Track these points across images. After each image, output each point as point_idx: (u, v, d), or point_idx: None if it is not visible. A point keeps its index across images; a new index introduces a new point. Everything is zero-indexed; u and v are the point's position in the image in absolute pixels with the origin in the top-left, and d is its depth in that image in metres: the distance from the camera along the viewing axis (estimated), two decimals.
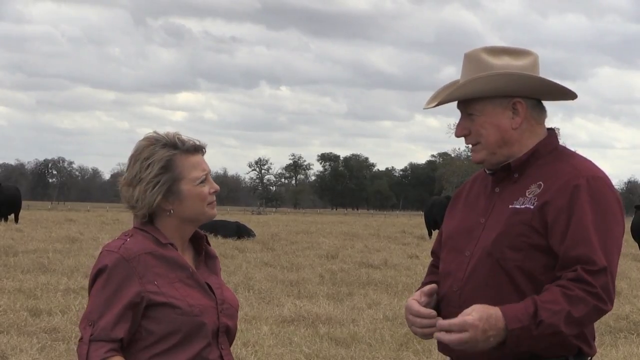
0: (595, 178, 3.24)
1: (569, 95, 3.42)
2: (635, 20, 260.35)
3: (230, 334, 3.32)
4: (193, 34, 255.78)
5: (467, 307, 3.27)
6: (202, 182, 3.25)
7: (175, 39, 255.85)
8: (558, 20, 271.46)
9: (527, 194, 3.27)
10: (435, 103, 3.39)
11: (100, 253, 3.21)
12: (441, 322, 3.11)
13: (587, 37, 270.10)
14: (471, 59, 3.35)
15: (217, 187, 3.30)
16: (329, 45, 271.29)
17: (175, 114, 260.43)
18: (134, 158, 3.24)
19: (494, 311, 3.05)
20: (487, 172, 3.43)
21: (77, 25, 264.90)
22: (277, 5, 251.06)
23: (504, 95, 3.31)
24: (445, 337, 3.08)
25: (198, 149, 3.29)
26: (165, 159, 3.21)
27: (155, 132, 3.29)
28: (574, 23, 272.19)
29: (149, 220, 3.26)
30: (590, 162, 3.35)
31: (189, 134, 3.32)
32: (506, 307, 3.07)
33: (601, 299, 3.10)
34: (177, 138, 3.26)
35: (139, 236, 3.22)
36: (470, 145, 3.40)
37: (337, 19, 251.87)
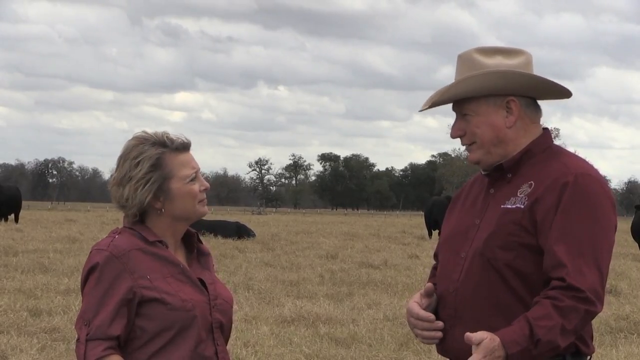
0: (584, 175, 3.23)
1: (563, 93, 3.43)
2: (632, 20, 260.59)
3: (224, 330, 3.32)
4: (189, 33, 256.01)
5: (463, 308, 3.29)
6: (192, 180, 3.26)
7: (172, 39, 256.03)
8: (554, 20, 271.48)
9: (518, 194, 3.27)
10: (429, 105, 3.40)
11: (90, 252, 3.23)
12: None
13: (584, 37, 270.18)
14: (464, 60, 3.36)
15: (207, 184, 3.31)
16: (325, 45, 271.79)
17: (173, 114, 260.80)
18: (122, 158, 3.25)
19: (496, 343, 3.05)
20: (483, 173, 3.44)
21: (73, 25, 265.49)
22: (272, 5, 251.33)
23: (497, 94, 3.31)
24: None
25: (187, 147, 3.30)
26: (155, 157, 3.22)
27: (144, 131, 3.30)
28: (570, 23, 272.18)
29: (139, 220, 3.27)
30: (581, 159, 3.34)
31: (187, 134, 3.33)
32: (503, 332, 3.08)
33: (591, 302, 3.10)
34: (166, 137, 3.26)
35: (127, 234, 3.23)
36: (466, 146, 3.41)
37: (333, 18, 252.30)
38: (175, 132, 3.31)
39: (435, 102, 3.36)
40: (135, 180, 3.20)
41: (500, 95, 3.31)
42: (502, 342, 3.05)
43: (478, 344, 3.05)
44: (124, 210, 3.26)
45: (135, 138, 3.27)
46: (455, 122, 3.39)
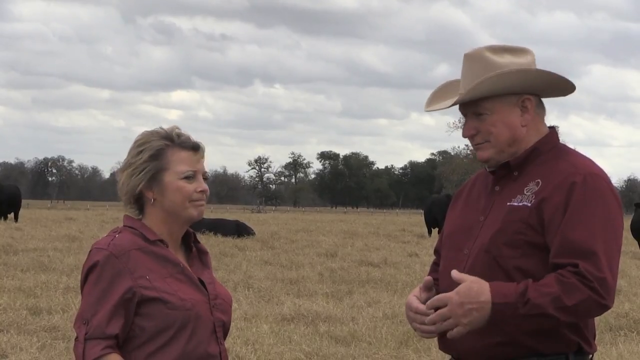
0: (592, 175, 3.23)
1: (568, 89, 3.43)
2: (625, 18, 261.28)
3: (225, 328, 3.32)
4: (183, 32, 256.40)
5: None
6: (187, 177, 3.25)
7: (166, 37, 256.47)
8: (547, 18, 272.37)
9: (525, 192, 3.26)
10: (451, 104, 3.36)
11: (90, 251, 3.22)
12: (427, 304, 3.13)
13: (578, 35, 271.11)
14: (475, 59, 3.33)
15: (205, 187, 3.29)
16: (319, 44, 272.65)
17: (170, 112, 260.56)
18: (132, 147, 3.30)
19: (478, 285, 3.06)
20: (488, 170, 3.43)
21: (67, 24, 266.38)
22: (265, 3, 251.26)
23: (514, 93, 3.31)
24: (428, 318, 3.12)
25: (194, 147, 3.29)
26: (157, 148, 3.24)
27: (160, 127, 3.32)
28: (563, 21, 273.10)
29: (137, 209, 3.28)
30: (588, 159, 3.34)
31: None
32: (496, 283, 3.08)
33: (597, 292, 3.07)
34: (175, 132, 3.29)
35: (128, 233, 3.23)
36: (476, 144, 3.38)
37: (326, 16, 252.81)
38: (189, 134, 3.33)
39: (456, 102, 3.33)
40: (133, 167, 3.24)
41: (516, 93, 3.31)
42: (491, 289, 3.05)
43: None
44: (122, 197, 3.28)
45: (149, 131, 3.32)
46: (467, 121, 3.36)
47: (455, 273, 3.12)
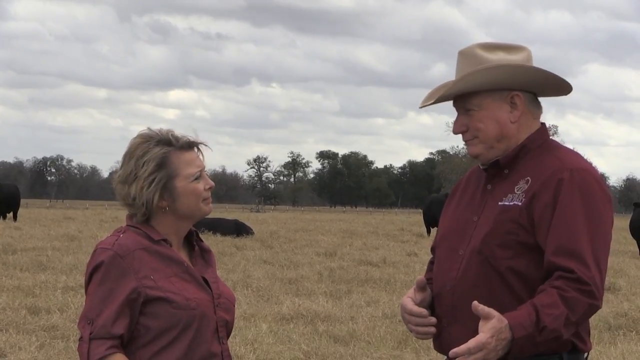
0: (579, 170, 3.21)
1: (563, 89, 3.42)
2: (621, 17, 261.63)
3: (228, 328, 3.32)
4: (179, 31, 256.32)
5: (460, 305, 3.27)
6: (196, 178, 3.25)
7: (162, 36, 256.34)
8: (542, 18, 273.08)
9: (515, 190, 3.26)
10: (433, 100, 3.37)
11: (95, 251, 3.21)
12: (457, 349, 3.03)
13: (574, 34, 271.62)
14: (466, 56, 3.34)
15: (212, 183, 3.30)
16: (315, 43, 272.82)
17: (167, 112, 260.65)
18: (128, 156, 3.24)
19: (504, 324, 3.02)
20: (481, 167, 3.43)
21: (62, 23, 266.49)
22: (261, 2, 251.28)
23: (502, 89, 3.30)
24: None
25: (192, 145, 3.29)
26: (160, 156, 3.21)
27: (148, 128, 3.29)
28: (559, 20, 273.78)
29: (146, 215, 3.25)
30: (576, 154, 3.33)
31: (182, 132, 3.33)
32: (511, 315, 3.05)
33: (594, 296, 3.09)
34: (171, 135, 3.26)
35: (132, 233, 3.22)
36: (467, 140, 3.39)
37: (321, 15, 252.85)
38: (181, 131, 3.31)
39: (441, 97, 3.34)
40: (141, 180, 3.19)
41: (504, 90, 3.30)
42: (510, 325, 3.01)
43: (485, 320, 3.02)
44: (130, 209, 3.25)
45: (140, 136, 3.26)
46: (457, 117, 3.37)
47: (481, 309, 3.04)
